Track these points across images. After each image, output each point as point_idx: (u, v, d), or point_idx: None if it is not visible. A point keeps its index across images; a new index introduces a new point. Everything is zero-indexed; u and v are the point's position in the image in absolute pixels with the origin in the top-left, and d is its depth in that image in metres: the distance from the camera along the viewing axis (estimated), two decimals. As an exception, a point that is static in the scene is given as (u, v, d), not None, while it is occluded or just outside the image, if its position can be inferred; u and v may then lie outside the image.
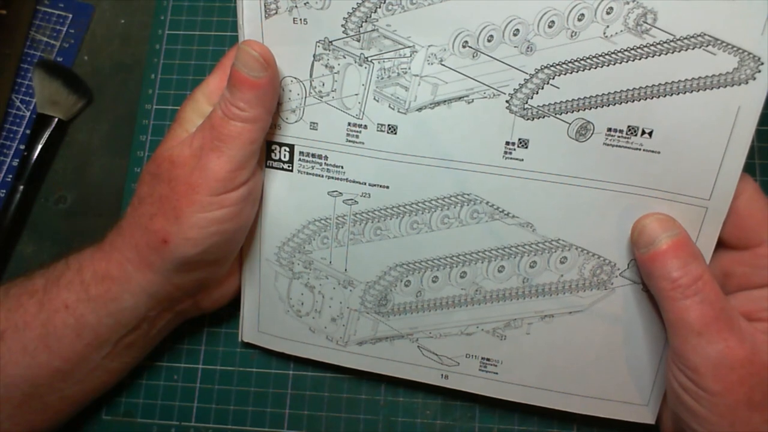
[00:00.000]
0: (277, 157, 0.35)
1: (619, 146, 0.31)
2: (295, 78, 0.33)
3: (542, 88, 0.31)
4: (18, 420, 0.34)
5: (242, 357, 0.41)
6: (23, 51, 0.41)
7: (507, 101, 0.31)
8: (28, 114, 0.41)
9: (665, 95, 0.30)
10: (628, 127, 0.31)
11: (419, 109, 0.32)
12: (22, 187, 0.40)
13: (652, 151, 0.31)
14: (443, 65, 0.32)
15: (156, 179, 0.33)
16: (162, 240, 0.32)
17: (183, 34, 0.41)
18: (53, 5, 0.41)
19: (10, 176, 0.41)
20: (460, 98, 0.32)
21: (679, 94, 0.29)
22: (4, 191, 0.41)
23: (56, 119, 0.40)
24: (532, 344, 0.35)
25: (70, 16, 0.41)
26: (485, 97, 0.32)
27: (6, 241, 0.40)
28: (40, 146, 0.40)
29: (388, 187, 0.34)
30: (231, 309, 0.40)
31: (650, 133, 0.30)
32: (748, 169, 0.42)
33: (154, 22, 0.42)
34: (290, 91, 0.34)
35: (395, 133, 0.33)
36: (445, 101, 0.32)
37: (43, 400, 0.34)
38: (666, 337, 0.33)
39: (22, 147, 0.41)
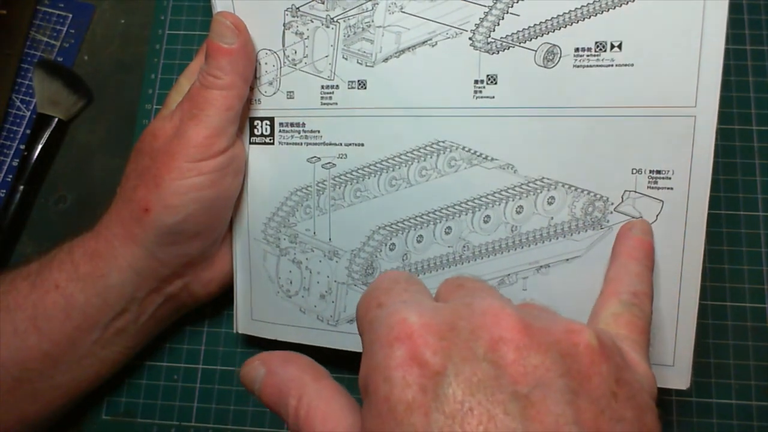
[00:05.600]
0: (259, 132, 0.35)
1: (590, 66, 0.29)
2: (269, 50, 0.34)
3: (503, 19, 0.30)
4: (9, 407, 0.34)
5: (242, 357, 0.39)
6: (23, 51, 0.43)
7: (470, 38, 0.31)
8: (28, 114, 0.43)
9: (627, 2, 0.28)
10: (596, 43, 0.29)
11: (385, 60, 0.32)
12: (22, 187, 0.41)
13: (625, 65, 0.29)
14: (404, 12, 0.32)
15: (139, 153, 0.34)
16: (144, 209, 0.32)
17: (183, 34, 0.44)
18: (53, 5, 0.44)
19: (10, 176, 0.42)
20: (423, 42, 0.32)
21: (640, -3, 0.28)
22: (4, 191, 0.42)
23: (56, 119, 0.42)
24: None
25: (70, 16, 0.44)
26: (448, 38, 0.31)
27: (6, 241, 0.41)
28: (40, 146, 0.42)
29: (363, 145, 0.33)
30: (230, 310, 0.39)
31: (619, 46, 0.29)
32: (748, 168, 0.39)
33: (154, 22, 0.44)
34: (266, 63, 0.35)
35: (365, 88, 0.33)
36: (409, 48, 0.32)
37: (33, 386, 0.34)
38: (680, 281, 0.29)
39: (22, 147, 0.42)
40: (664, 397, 0.36)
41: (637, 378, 0.22)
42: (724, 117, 0.39)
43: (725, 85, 0.38)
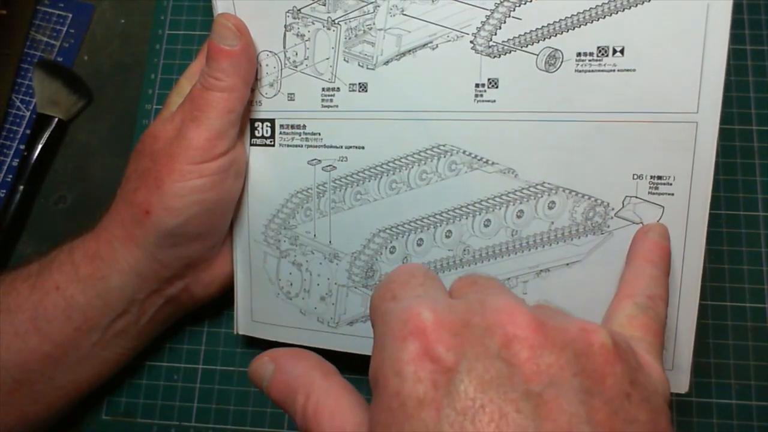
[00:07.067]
0: (260, 134, 0.35)
1: (592, 70, 0.29)
2: (270, 51, 0.34)
3: (504, 22, 0.30)
4: (10, 408, 0.34)
5: (242, 357, 0.40)
6: (23, 51, 0.43)
7: (471, 41, 0.31)
8: (28, 114, 0.43)
9: (630, 7, 0.28)
10: (598, 48, 0.29)
11: (386, 63, 0.32)
12: (22, 187, 0.41)
13: (627, 70, 0.29)
14: (405, 15, 0.32)
15: (140, 155, 0.34)
16: (144, 211, 0.32)
17: (183, 34, 0.43)
18: (53, 5, 0.44)
19: (10, 176, 0.42)
20: (424, 45, 0.32)
21: (643, 3, 0.28)
22: (4, 191, 0.42)
23: (56, 119, 0.42)
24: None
25: (70, 16, 0.43)
26: (449, 41, 0.31)
27: (6, 241, 0.41)
28: (40, 146, 0.42)
29: (363, 148, 0.33)
30: (230, 310, 0.39)
31: (622, 51, 0.29)
32: (748, 168, 0.39)
33: (154, 22, 0.44)
34: (267, 65, 0.35)
35: (366, 91, 0.33)
36: (410, 51, 0.32)
37: (34, 387, 0.34)
38: (680, 287, 0.29)
39: (22, 147, 0.43)
40: (664, 398, 0.37)
41: (650, 381, 0.22)
42: (724, 117, 0.38)
43: (725, 85, 0.39)
